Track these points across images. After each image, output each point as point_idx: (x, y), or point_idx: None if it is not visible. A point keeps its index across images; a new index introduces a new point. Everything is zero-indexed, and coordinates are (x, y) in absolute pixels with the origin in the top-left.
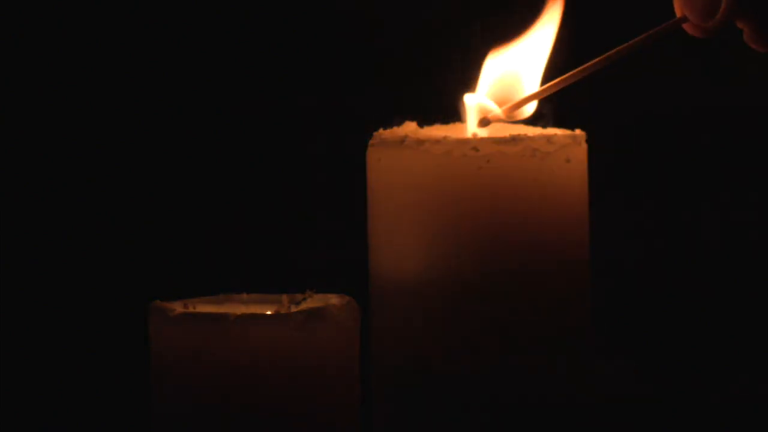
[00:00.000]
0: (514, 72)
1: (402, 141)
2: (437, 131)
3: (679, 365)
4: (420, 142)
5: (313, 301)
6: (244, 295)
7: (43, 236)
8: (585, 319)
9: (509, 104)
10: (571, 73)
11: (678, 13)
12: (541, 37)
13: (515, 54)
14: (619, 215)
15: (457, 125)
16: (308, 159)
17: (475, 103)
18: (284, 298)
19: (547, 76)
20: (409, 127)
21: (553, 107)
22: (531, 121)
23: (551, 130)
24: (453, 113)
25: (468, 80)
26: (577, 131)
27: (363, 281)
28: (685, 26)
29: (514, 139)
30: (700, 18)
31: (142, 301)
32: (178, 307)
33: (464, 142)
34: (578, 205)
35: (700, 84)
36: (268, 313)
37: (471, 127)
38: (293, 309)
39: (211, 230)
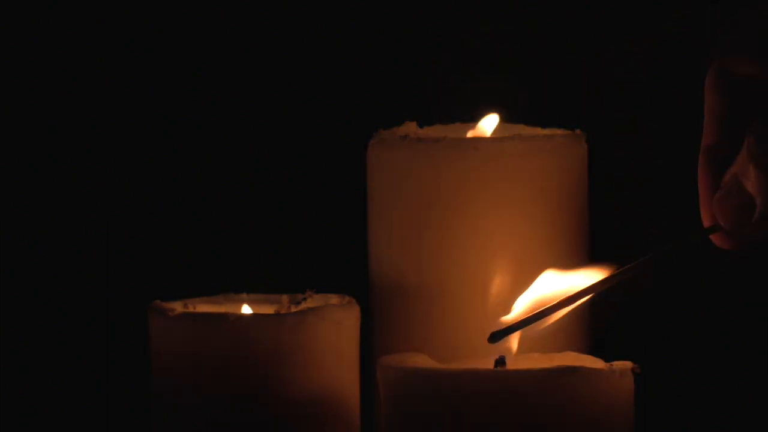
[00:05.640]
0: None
1: (402, 141)
2: (437, 131)
3: (679, 366)
4: (420, 142)
5: (313, 301)
6: (244, 295)
7: (44, 236)
8: (585, 318)
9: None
10: (592, 285)
11: (706, 221)
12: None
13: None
14: (619, 215)
15: (457, 125)
16: (308, 159)
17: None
18: (284, 298)
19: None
20: (409, 127)
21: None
22: None
23: (551, 130)
24: (453, 113)
25: (466, 81)
26: (577, 131)
27: (363, 281)
28: (714, 237)
29: (514, 139)
30: (733, 223)
31: (142, 301)
32: (178, 307)
33: (464, 142)
34: (578, 204)
35: (700, 82)
36: (268, 313)
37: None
38: (293, 309)
39: (212, 230)
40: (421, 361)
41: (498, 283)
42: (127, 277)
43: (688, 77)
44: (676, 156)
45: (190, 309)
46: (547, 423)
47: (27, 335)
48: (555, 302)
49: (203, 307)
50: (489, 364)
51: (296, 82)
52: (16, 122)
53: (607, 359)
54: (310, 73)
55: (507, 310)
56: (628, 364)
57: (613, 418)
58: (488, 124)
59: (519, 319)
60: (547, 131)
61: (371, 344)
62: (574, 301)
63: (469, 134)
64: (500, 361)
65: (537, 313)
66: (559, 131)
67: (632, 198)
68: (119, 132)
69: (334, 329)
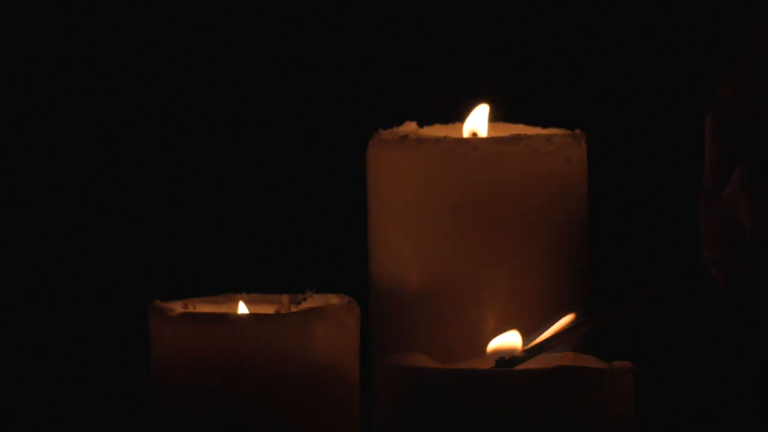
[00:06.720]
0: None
1: (402, 141)
2: (437, 131)
3: (679, 366)
4: (420, 142)
5: (313, 301)
6: (244, 295)
7: (44, 236)
8: (585, 317)
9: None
10: (590, 319)
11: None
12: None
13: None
14: (619, 215)
15: (457, 125)
16: (308, 159)
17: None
18: (284, 298)
19: None
20: (409, 127)
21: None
22: None
23: (551, 130)
24: (453, 113)
25: (466, 81)
26: (577, 131)
27: (363, 281)
28: (714, 270)
29: (514, 139)
30: (723, 249)
31: (142, 301)
32: (178, 307)
33: (464, 142)
34: (578, 205)
35: (700, 83)
36: (268, 313)
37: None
38: (293, 309)
39: (211, 230)
40: (421, 361)
41: (497, 283)
42: (127, 277)
43: (688, 77)
44: (675, 156)
45: (190, 309)
46: (547, 423)
47: (27, 335)
48: (554, 335)
49: (203, 307)
50: (489, 364)
51: (296, 82)
52: (16, 122)
53: (607, 359)
54: (310, 73)
55: (506, 310)
56: (628, 364)
57: (613, 418)
58: (479, 116)
59: (525, 349)
60: (547, 131)
61: (371, 344)
62: (571, 335)
63: (465, 129)
64: (500, 361)
65: (539, 343)
66: (559, 131)
67: (632, 198)
68: (119, 132)
69: (334, 329)
